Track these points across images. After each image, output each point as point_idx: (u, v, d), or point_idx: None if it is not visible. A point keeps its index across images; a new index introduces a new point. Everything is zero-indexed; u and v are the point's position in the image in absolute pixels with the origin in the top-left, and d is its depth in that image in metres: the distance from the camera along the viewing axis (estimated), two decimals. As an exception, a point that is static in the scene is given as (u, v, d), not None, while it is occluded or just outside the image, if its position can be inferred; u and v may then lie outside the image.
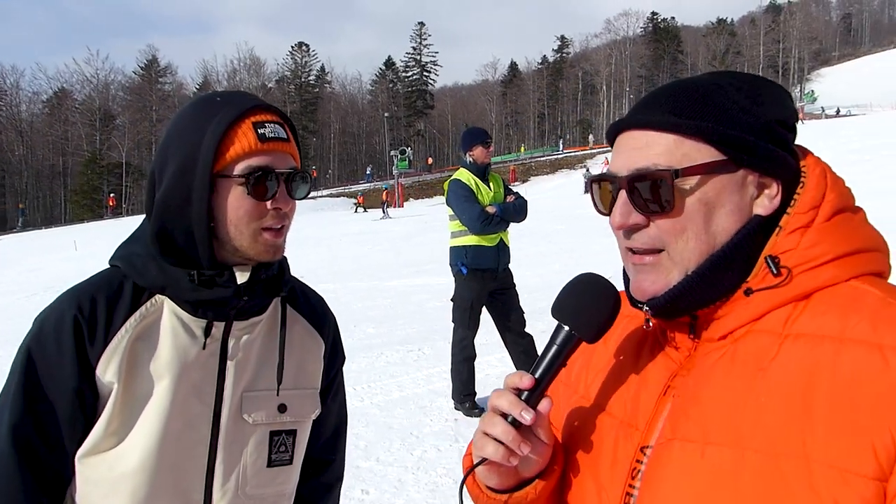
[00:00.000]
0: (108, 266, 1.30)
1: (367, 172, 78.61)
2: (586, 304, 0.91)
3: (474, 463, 0.90)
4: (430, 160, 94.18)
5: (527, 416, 0.85)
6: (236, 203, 1.21)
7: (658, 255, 0.87)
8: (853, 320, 0.77)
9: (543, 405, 0.87)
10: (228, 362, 1.28)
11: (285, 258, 1.37)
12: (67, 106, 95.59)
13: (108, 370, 1.19)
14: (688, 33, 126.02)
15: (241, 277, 1.25)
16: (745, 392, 0.80)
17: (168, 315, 1.24)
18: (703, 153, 0.84)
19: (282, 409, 1.33)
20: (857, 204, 0.89)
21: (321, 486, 1.50)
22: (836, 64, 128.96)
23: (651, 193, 0.85)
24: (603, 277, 0.93)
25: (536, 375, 0.89)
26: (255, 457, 1.30)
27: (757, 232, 0.85)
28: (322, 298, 1.51)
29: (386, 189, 46.70)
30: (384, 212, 38.94)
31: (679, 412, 0.85)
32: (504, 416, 0.87)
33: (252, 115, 1.22)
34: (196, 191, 1.19)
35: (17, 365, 1.21)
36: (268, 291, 1.31)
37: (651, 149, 0.86)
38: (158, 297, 1.25)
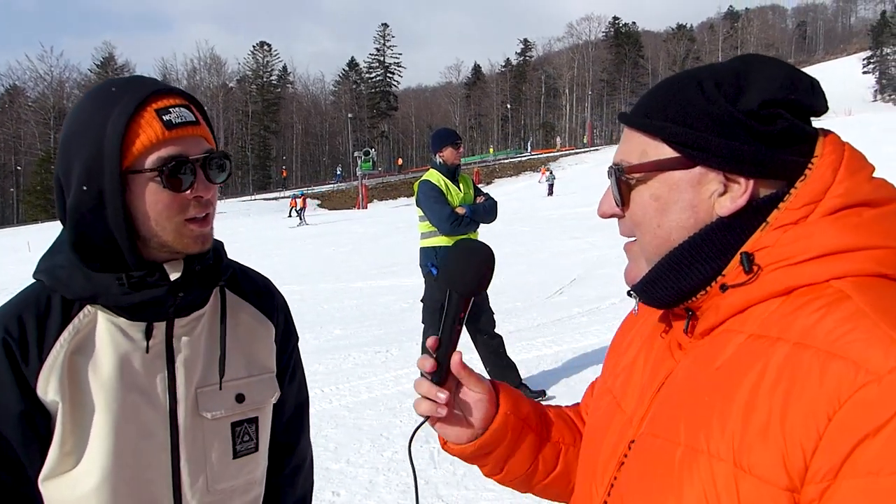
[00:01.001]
0: (32, 281, 1.22)
1: (338, 172, 76.31)
2: (460, 266, 1.03)
3: (418, 424, 1.05)
4: (400, 161, 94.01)
5: (427, 365, 1.01)
6: (153, 198, 1.13)
7: (634, 244, 0.92)
8: (811, 324, 0.74)
9: (454, 359, 1.01)
10: (176, 362, 1.22)
11: (221, 243, 1.32)
12: (20, 104, 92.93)
13: (48, 389, 1.13)
14: (648, 38, 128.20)
15: (174, 274, 1.19)
16: (698, 390, 0.81)
17: (104, 324, 1.17)
18: (658, 150, 0.85)
19: (239, 398, 1.29)
20: (894, 195, 0.82)
21: (291, 469, 1.47)
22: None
23: (615, 186, 0.90)
24: (474, 241, 1.05)
25: (440, 336, 1.03)
26: (219, 452, 1.26)
27: (732, 228, 0.83)
28: (267, 279, 1.45)
29: (302, 195, 44.29)
30: (301, 218, 37.96)
31: (658, 409, 0.88)
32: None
33: (154, 101, 1.13)
34: (108, 192, 1.11)
35: None
36: (205, 283, 1.25)
37: (625, 144, 0.90)
38: (90, 307, 1.18)
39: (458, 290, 1.02)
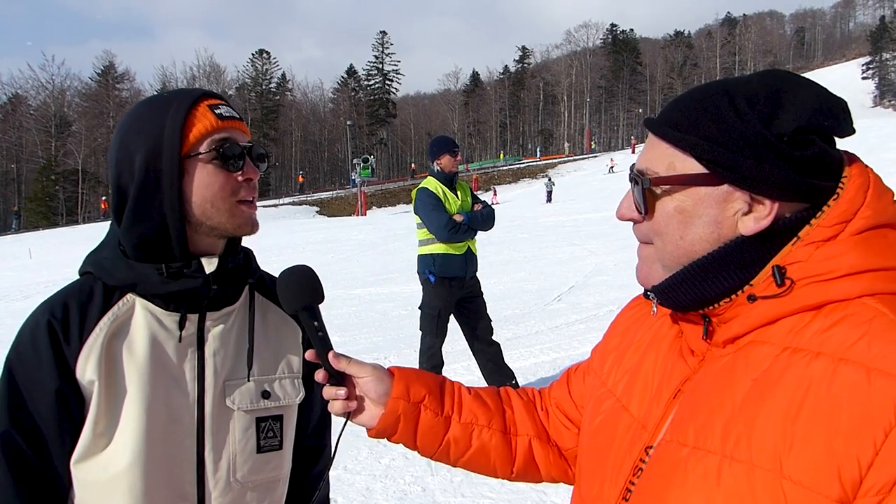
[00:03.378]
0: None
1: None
2: (287, 290, 1.18)
3: (343, 423, 1.20)
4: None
5: (319, 376, 1.16)
6: (209, 180, 1.26)
7: (650, 247, 0.93)
8: (853, 340, 0.76)
9: (330, 356, 1.15)
10: (206, 353, 1.31)
11: (251, 250, 1.43)
12: (21, 112, 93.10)
13: (87, 369, 1.21)
14: (646, 45, 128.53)
15: (209, 267, 1.28)
16: (737, 401, 0.81)
17: (141, 311, 1.27)
18: (686, 165, 0.86)
19: (265, 395, 1.36)
20: None
21: (315, 473, 1.54)
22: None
23: (639, 193, 0.90)
24: (290, 269, 1.21)
25: (313, 348, 1.18)
26: (243, 443, 1.32)
27: (761, 242, 0.84)
28: None
29: None
30: None
31: (681, 416, 0.89)
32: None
33: (204, 100, 1.29)
34: (165, 177, 1.23)
35: (0, 379, 1.23)
36: (237, 280, 1.35)
37: (650, 152, 0.91)
38: (130, 295, 1.28)
39: (294, 307, 1.17)
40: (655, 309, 1.00)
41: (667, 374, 0.96)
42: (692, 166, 0.86)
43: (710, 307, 0.89)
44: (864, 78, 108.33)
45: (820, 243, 0.82)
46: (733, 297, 0.86)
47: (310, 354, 1.17)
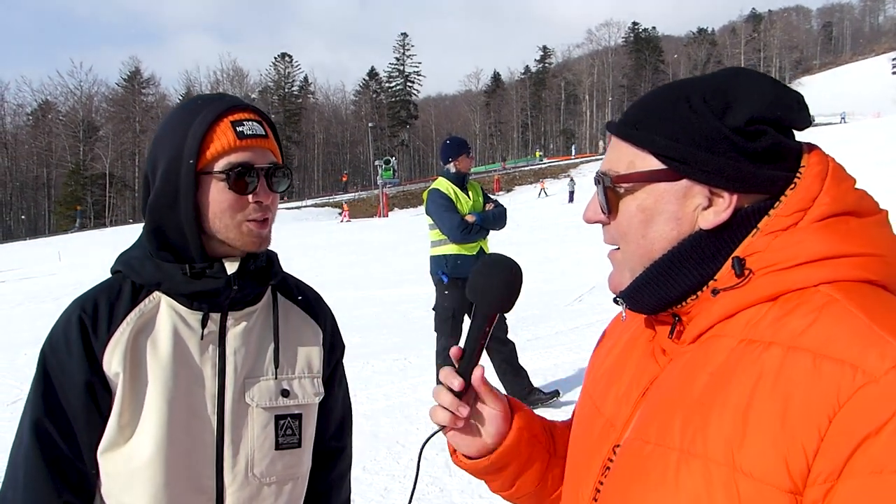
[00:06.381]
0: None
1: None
2: (487, 282, 1.01)
3: (433, 431, 1.05)
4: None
5: (454, 382, 1.00)
6: (219, 197, 1.29)
7: (618, 252, 0.94)
8: (803, 327, 0.76)
9: (475, 374, 1.01)
10: (227, 351, 1.35)
11: (275, 253, 1.45)
12: (51, 118, 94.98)
13: (112, 362, 1.26)
14: (669, 43, 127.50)
15: (231, 268, 1.33)
16: (695, 395, 0.81)
17: (166, 309, 1.32)
18: (645, 162, 0.87)
19: (284, 393, 1.39)
20: (875, 207, 0.86)
21: (336, 475, 1.56)
22: (817, 72, 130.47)
23: (602, 195, 0.91)
24: (503, 256, 1.03)
25: (464, 347, 1.04)
26: (262, 440, 1.35)
27: (720, 235, 0.85)
28: (317, 293, 1.58)
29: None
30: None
31: (644, 414, 0.89)
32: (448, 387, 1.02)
33: (230, 114, 1.30)
34: (182, 189, 1.27)
35: (36, 370, 1.30)
36: (258, 281, 1.38)
37: (612, 153, 0.92)
38: (156, 294, 1.33)
39: (483, 306, 1.02)
40: (625, 315, 1.00)
41: (637, 375, 0.95)
42: (651, 163, 0.87)
43: (679, 306, 0.89)
44: (893, 73, 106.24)
45: (779, 232, 0.82)
46: (699, 293, 0.86)
47: (455, 352, 1.04)
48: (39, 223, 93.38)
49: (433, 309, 5.42)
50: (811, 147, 0.88)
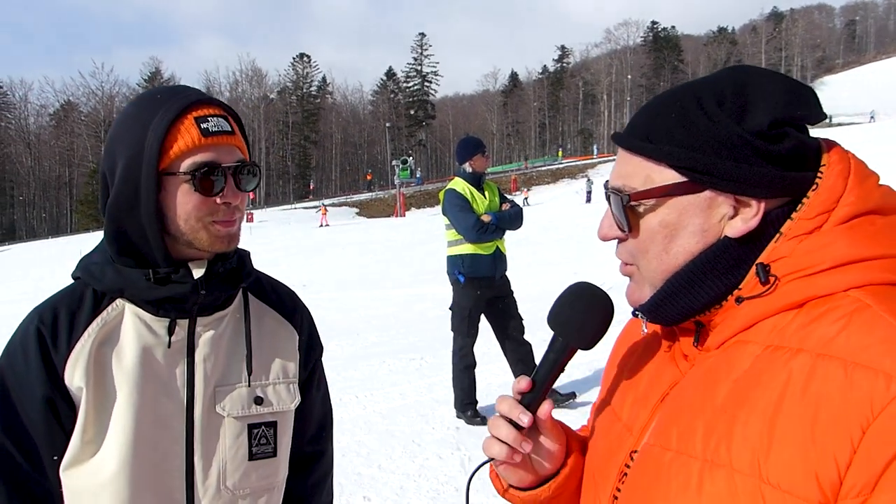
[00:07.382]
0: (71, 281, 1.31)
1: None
2: (578, 313, 0.94)
3: (481, 462, 0.98)
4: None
5: (524, 419, 0.92)
6: (184, 199, 1.20)
7: (633, 268, 0.90)
8: (833, 334, 0.73)
9: (543, 409, 0.94)
10: (196, 359, 1.27)
11: (247, 251, 1.38)
12: (73, 118, 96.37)
13: (74, 375, 1.19)
14: (688, 42, 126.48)
15: (197, 272, 1.25)
16: (718, 403, 0.79)
17: (130, 317, 1.25)
18: (663, 176, 0.83)
19: (258, 401, 1.32)
20: None
21: (314, 480, 1.49)
22: (839, 72, 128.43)
23: (619, 211, 0.86)
24: (596, 286, 0.96)
25: (534, 379, 0.95)
26: (234, 450, 1.29)
27: (743, 242, 0.81)
28: (292, 291, 1.50)
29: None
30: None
31: (664, 419, 0.86)
32: (509, 419, 0.94)
33: (194, 109, 1.20)
34: (143, 190, 1.18)
35: None
36: (229, 283, 1.30)
37: (624, 167, 0.87)
38: (119, 301, 1.25)
39: (568, 337, 0.94)
40: (646, 328, 0.97)
41: (656, 379, 0.93)
42: (670, 176, 0.82)
43: (702, 315, 0.86)
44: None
45: (803, 236, 0.79)
46: (723, 303, 0.83)
47: (525, 385, 0.95)
48: (62, 222, 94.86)
49: (450, 308, 5.43)
50: (830, 144, 0.84)
